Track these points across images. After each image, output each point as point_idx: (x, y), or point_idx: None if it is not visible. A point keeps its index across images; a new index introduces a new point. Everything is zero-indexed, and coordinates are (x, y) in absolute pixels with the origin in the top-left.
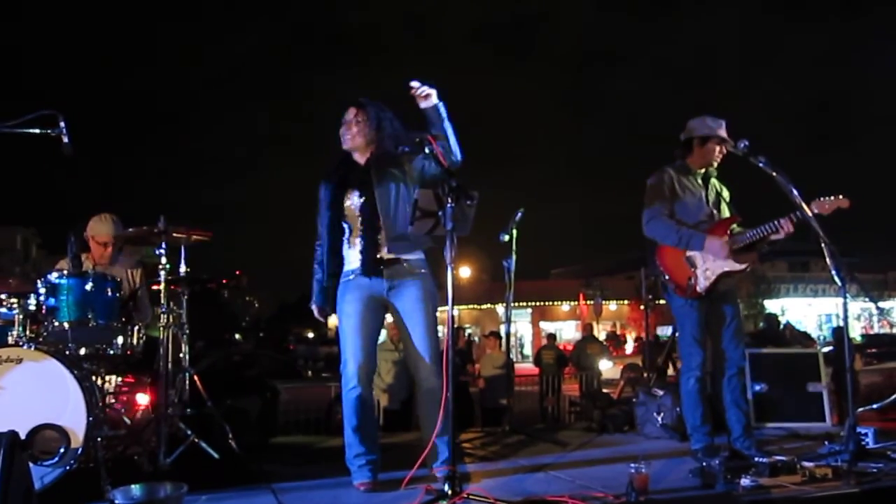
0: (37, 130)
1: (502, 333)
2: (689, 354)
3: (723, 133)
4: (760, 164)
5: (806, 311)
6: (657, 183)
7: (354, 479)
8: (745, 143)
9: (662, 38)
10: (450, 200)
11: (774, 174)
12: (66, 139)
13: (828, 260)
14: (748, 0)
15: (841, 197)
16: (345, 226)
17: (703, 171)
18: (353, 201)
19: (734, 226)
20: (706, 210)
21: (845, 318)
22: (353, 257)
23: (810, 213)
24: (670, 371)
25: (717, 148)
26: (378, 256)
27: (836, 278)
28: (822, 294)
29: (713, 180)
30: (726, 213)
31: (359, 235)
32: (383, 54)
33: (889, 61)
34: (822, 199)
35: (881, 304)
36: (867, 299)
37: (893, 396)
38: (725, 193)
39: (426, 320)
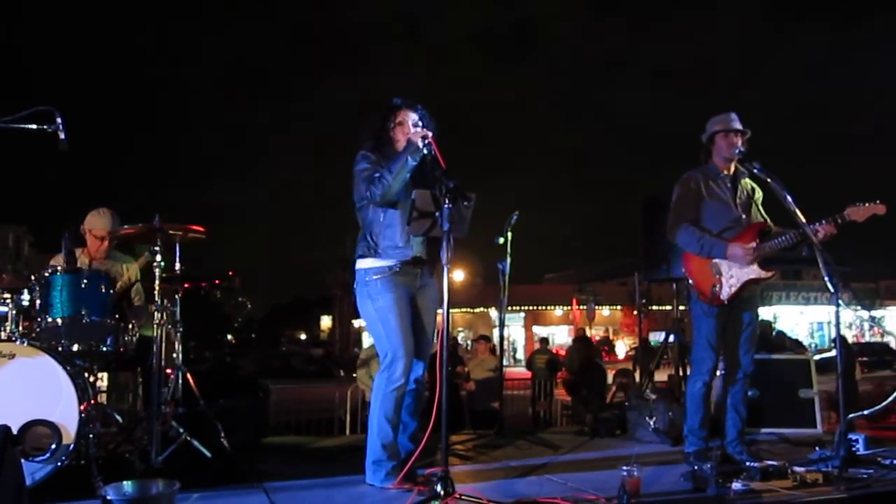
0: (33, 126)
1: (493, 337)
2: (702, 359)
3: (735, 125)
4: (755, 171)
5: (798, 319)
6: (683, 189)
7: (386, 480)
8: (739, 150)
9: (659, 46)
10: (447, 201)
11: (769, 180)
12: (62, 135)
13: (821, 267)
14: (747, 9)
15: (878, 202)
16: (402, 206)
17: (731, 172)
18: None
19: (771, 228)
20: (734, 214)
21: (837, 325)
22: (414, 244)
23: (803, 220)
24: (662, 377)
25: (732, 139)
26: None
27: (829, 285)
28: (814, 302)
29: (745, 181)
30: (757, 216)
31: (423, 226)
32: (381, 57)
33: (881, 72)
34: (857, 204)
35: (873, 313)
36: (860, 307)
37: (884, 403)
38: (758, 195)
39: (435, 323)
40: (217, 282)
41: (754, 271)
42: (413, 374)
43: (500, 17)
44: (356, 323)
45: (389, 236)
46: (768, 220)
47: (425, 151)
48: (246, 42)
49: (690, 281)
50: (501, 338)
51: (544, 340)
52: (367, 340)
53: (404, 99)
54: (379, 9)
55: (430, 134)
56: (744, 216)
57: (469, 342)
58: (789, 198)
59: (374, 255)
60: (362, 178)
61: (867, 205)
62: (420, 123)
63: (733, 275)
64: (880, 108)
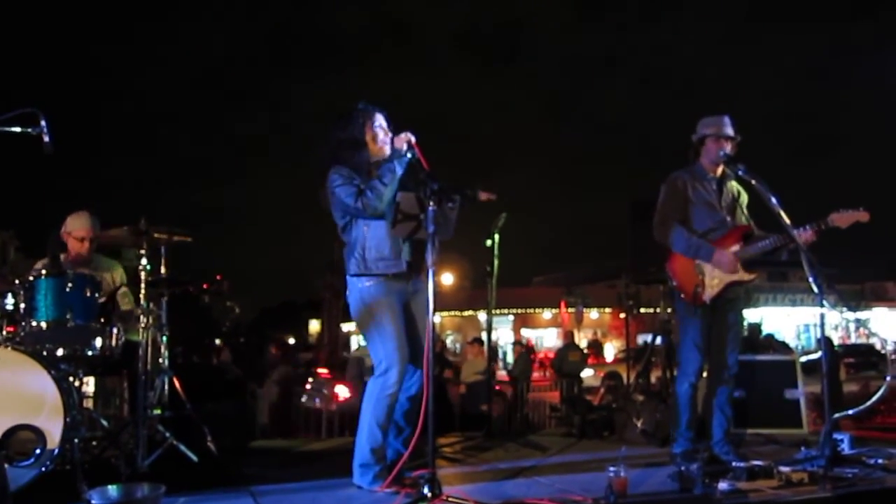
0: (17, 129)
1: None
2: (688, 360)
3: (727, 130)
4: (740, 173)
5: (784, 321)
6: (670, 188)
7: (374, 483)
8: (724, 152)
9: (646, 47)
10: (432, 203)
11: (753, 182)
12: (47, 138)
13: (806, 268)
14: (733, 11)
15: (861, 210)
16: (386, 216)
17: (718, 174)
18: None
19: (754, 231)
20: (719, 216)
21: (822, 327)
22: (403, 253)
23: (788, 222)
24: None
25: (722, 144)
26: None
27: (814, 286)
28: (800, 304)
29: (731, 184)
30: (742, 218)
31: (408, 229)
32: (367, 60)
33: (867, 75)
34: (841, 211)
35: (858, 315)
36: (845, 309)
37: (868, 402)
38: (743, 198)
39: (426, 328)
40: (205, 285)
41: (737, 273)
42: (413, 379)
43: (487, 19)
44: (345, 327)
45: (377, 248)
46: (752, 222)
47: (409, 156)
48: (233, 44)
49: (674, 281)
50: (489, 340)
51: (520, 344)
52: (354, 345)
53: (367, 103)
54: (365, 11)
55: (412, 138)
56: (728, 218)
57: (458, 346)
58: (774, 200)
59: (366, 270)
60: (347, 193)
61: (851, 211)
62: (385, 125)
63: (716, 276)
64: (868, 110)
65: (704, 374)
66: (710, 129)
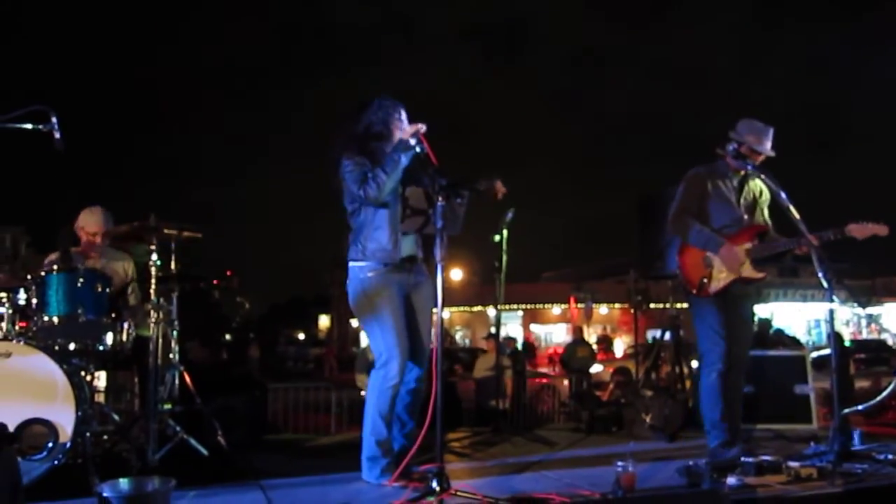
0: (28, 126)
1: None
2: (710, 349)
3: (765, 146)
4: (748, 168)
5: (795, 317)
6: (689, 184)
7: (382, 477)
8: (733, 146)
9: (654, 43)
10: (440, 199)
11: (762, 176)
12: (57, 135)
13: (815, 264)
14: (740, 7)
15: (881, 223)
16: (391, 207)
17: (741, 173)
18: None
19: (770, 233)
20: (736, 214)
21: (831, 322)
22: (403, 245)
23: (798, 217)
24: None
25: (752, 157)
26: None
27: (824, 281)
28: (811, 299)
29: (753, 182)
30: (760, 218)
31: (416, 223)
32: (372, 56)
33: (875, 71)
34: (861, 223)
35: (869, 310)
36: (855, 304)
37: (879, 398)
38: (765, 197)
39: (431, 321)
40: (215, 281)
41: (746, 270)
42: (413, 373)
43: (494, 14)
44: (354, 322)
45: (376, 239)
46: (770, 223)
47: (417, 149)
48: (239, 41)
49: (680, 272)
50: (497, 335)
51: (512, 339)
52: (365, 340)
53: (388, 96)
54: (371, 7)
55: (422, 128)
56: (746, 217)
57: (467, 341)
58: (783, 195)
59: (363, 258)
60: (353, 178)
61: (870, 224)
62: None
63: (724, 270)
64: (877, 105)
65: None
66: (752, 137)
